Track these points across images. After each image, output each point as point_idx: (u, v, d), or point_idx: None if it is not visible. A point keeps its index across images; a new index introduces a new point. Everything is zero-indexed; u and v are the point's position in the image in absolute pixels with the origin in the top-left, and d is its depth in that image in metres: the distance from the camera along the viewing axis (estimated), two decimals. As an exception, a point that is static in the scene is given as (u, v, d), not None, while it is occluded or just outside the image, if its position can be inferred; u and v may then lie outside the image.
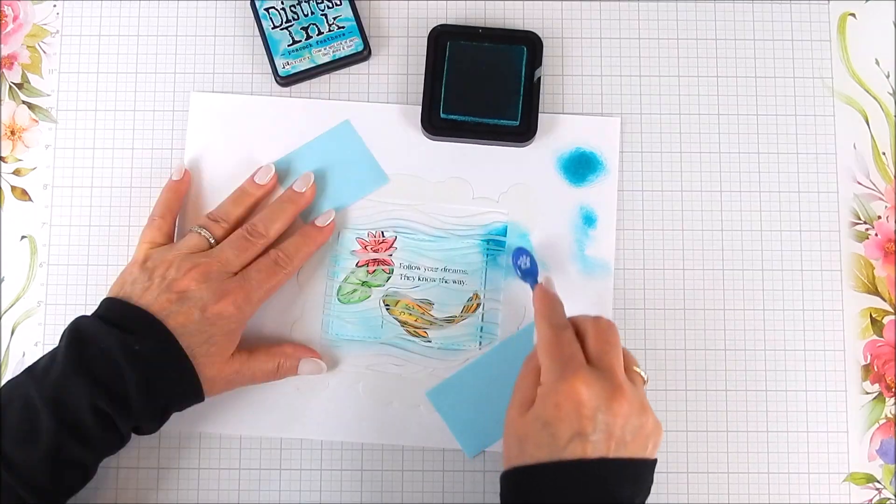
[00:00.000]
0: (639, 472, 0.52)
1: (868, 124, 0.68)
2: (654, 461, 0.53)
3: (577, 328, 0.55)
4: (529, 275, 0.63)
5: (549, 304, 0.56)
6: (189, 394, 0.58)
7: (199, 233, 0.61)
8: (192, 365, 0.57)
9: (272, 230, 0.62)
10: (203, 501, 0.63)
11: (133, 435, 0.58)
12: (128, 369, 0.54)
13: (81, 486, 0.57)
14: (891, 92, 0.68)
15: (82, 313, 0.58)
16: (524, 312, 0.65)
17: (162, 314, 0.57)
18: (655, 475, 0.63)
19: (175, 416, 0.60)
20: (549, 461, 0.50)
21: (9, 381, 0.56)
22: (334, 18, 0.67)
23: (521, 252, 0.64)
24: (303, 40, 0.67)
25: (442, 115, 0.66)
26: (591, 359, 0.53)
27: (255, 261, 0.61)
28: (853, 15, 0.69)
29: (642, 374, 0.55)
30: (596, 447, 0.50)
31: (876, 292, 0.66)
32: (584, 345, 0.54)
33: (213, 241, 0.61)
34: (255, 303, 0.60)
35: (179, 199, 0.65)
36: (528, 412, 0.52)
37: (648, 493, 0.53)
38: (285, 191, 0.64)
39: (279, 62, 0.66)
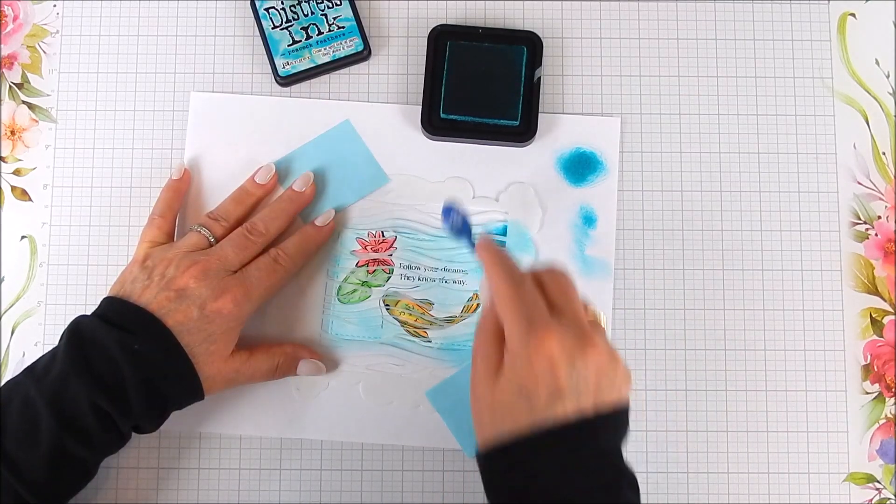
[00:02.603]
0: (619, 420, 0.50)
1: (868, 124, 0.68)
2: (629, 405, 0.51)
3: (535, 281, 0.51)
4: (464, 232, 0.57)
5: (500, 257, 0.51)
6: (189, 392, 0.58)
7: (200, 231, 0.61)
8: (192, 363, 0.57)
9: (272, 229, 0.62)
10: (203, 501, 0.63)
11: (133, 434, 0.58)
12: (127, 368, 0.54)
13: (82, 485, 0.57)
14: (891, 92, 0.68)
15: (82, 313, 0.58)
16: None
17: (161, 312, 0.57)
18: (655, 475, 0.64)
19: (175, 416, 0.60)
20: (531, 431, 0.47)
21: (8, 381, 0.56)
22: (334, 18, 0.67)
23: (449, 210, 0.58)
24: (303, 40, 0.67)
25: (442, 115, 0.66)
26: (555, 310, 0.49)
27: (254, 259, 0.61)
28: (853, 15, 0.69)
29: (600, 320, 0.53)
30: (577, 406, 0.48)
31: (876, 292, 0.66)
32: (545, 295, 0.50)
33: (213, 240, 0.61)
34: (254, 301, 0.60)
35: (180, 198, 0.65)
36: (497, 379, 0.49)
37: (627, 432, 0.51)
38: (285, 190, 0.65)
39: (279, 62, 0.66)
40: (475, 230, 0.57)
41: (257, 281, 0.60)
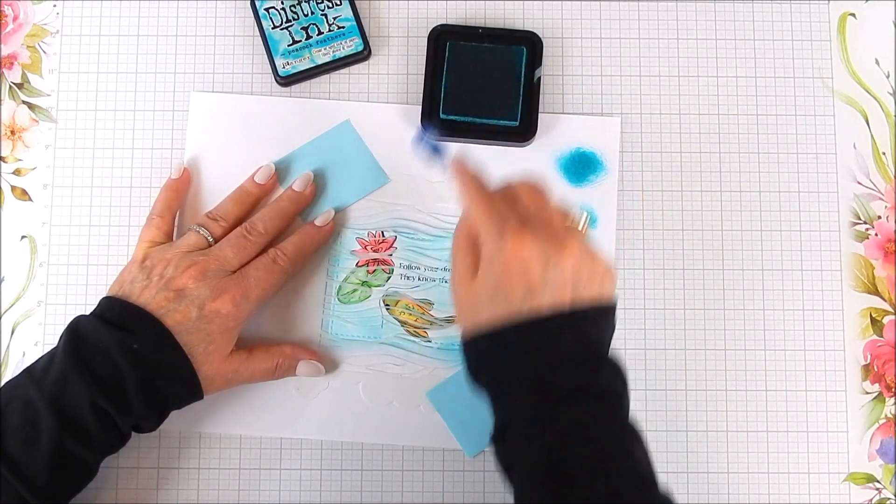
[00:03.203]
0: (599, 315, 0.52)
1: (868, 124, 0.68)
2: (614, 304, 0.53)
3: (511, 192, 0.54)
4: (437, 152, 0.60)
5: (474, 173, 0.54)
6: (188, 392, 0.58)
7: (198, 231, 0.61)
8: (191, 363, 0.57)
9: (271, 229, 0.62)
10: (203, 501, 0.63)
11: (133, 434, 0.58)
12: (127, 368, 0.54)
13: (83, 485, 0.57)
14: (891, 92, 0.68)
15: (82, 313, 0.58)
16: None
17: (159, 312, 0.57)
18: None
19: (175, 416, 0.60)
20: (509, 322, 0.50)
21: (7, 382, 0.56)
22: (334, 18, 0.67)
23: (422, 133, 0.61)
24: (303, 40, 0.67)
25: (442, 115, 0.66)
26: (528, 217, 0.52)
27: (253, 260, 0.61)
28: (853, 15, 0.69)
29: (580, 223, 0.55)
30: (552, 301, 0.50)
31: (876, 292, 0.66)
32: (517, 206, 0.53)
33: (211, 240, 0.61)
34: (253, 301, 0.60)
35: (178, 197, 0.65)
36: (474, 279, 0.52)
37: (613, 332, 0.53)
38: (285, 191, 0.64)
39: (279, 62, 0.66)
40: (446, 151, 0.60)
41: (256, 281, 0.60)
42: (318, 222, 0.64)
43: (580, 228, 0.55)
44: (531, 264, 0.50)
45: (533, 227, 0.51)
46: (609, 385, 0.51)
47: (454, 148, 0.56)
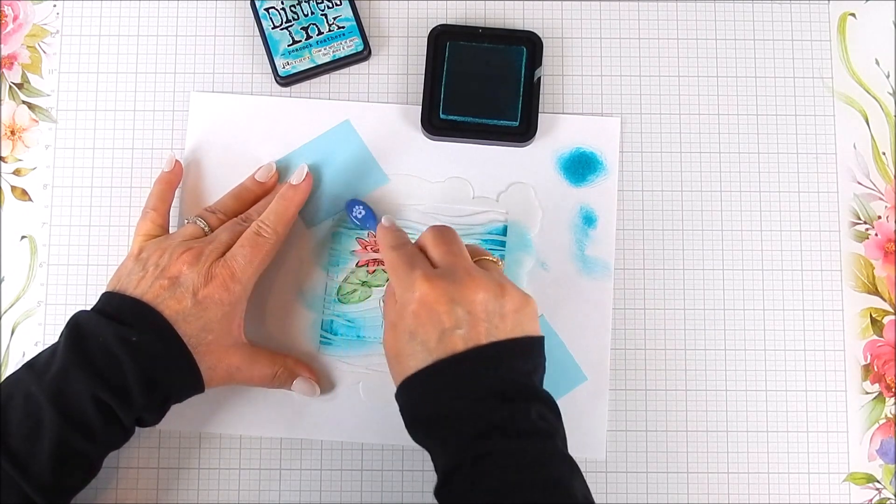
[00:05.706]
0: (522, 348, 0.52)
1: (868, 124, 0.68)
2: (539, 337, 0.53)
3: (418, 245, 0.56)
4: (368, 221, 0.64)
5: (389, 233, 0.57)
6: (189, 383, 0.58)
7: (195, 223, 0.61)
8: (191, 353, 0.57)
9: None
10: (203, 501, 0.63)
11: (136, 429, 0.58)
12: (126, 361, 0.54)
13: (86, 482, 0.56)
14: (891, 92, 0.68)
15: (83, 308, 0.58)
16: (524, 312, 0.65)
17: (155, 302, 0.56)
18: (655, 475, 0.64)
19: (176, 417, 0.60)
20: (427, 365, 0.51)
21: (9, 377, 0.56)
22: (334, 18, 0.67)
23: (353, 203, 0.64)
24: (303, 40, 0.67)
25: (442, 116, 0.66)
26: (437, 263, 0.54)
27: (238, 239, 0.60)
28: (853, 15, 0.69)
29: (493, 258, 0.56)
30: (466, 338, 0.51)
31: (876, 292, 0.66)
32: (427, 256, 0.55)
33: (208, 230, 0.61)
34: (243, 280, 0.59)
35: (172, 189, 0.65)
36: (395, 331, 0.53)
37: (544, 369, 0.54)
38: (281, 185, 0.64)
39: (279, 62, 0.66)
40: (379, 218, 0.62)
41: (244, 259, 0.59)
42: (293, 181, 0.63)
43: (496, 261, 0.56)
44: (438, 308, 0.51)
45: (438, 273, 0.53)
46: (541, 419, 0.51)
47: (381, 216, 0.60)
